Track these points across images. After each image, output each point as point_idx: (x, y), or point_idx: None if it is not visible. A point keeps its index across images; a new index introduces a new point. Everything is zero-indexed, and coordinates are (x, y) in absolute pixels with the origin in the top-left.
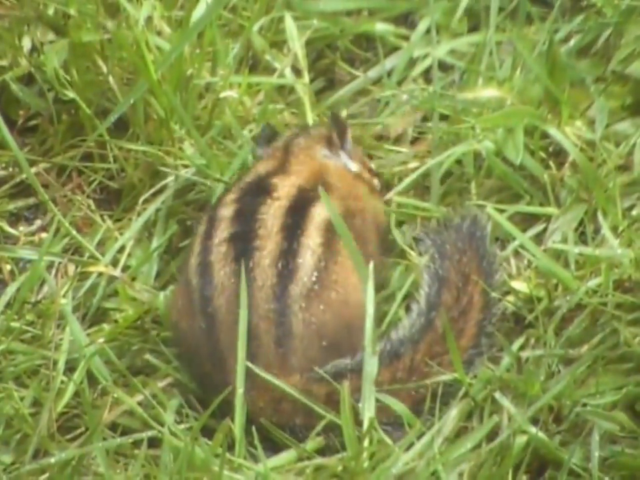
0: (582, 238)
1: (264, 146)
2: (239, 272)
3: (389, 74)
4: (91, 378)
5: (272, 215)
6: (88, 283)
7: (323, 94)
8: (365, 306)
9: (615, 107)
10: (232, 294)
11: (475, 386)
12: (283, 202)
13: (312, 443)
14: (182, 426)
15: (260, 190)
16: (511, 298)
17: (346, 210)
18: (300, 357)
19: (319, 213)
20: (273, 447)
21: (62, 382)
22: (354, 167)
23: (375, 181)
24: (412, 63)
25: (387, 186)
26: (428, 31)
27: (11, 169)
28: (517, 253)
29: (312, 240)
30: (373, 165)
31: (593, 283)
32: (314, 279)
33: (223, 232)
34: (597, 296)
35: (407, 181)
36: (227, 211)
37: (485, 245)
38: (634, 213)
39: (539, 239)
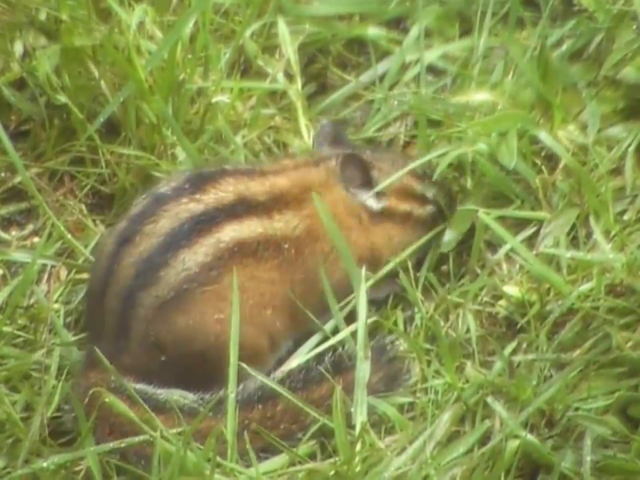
0: (574, 242)
1: (324, 144)
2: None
3: (381, 78)
4: None
5: (175, 212)
6: (83, 290)
7: (314, 98)
8: (224, 342)
9: (607, 112)
10: (101, 272)
11: (467, 390)
12: (200, 206)
13: (304, 447)
14: (174, 430)
15: (205, 179)
16: (502, 302)
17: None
18: (133, 360)
19: (231, 231)
20: (265, 452)
21: (53, 386)
22: (376, 205)
23: (420, 210)
24: (404, 67)
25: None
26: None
27: (2, 174)
28: (508, 258)
29: (191, 256)
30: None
31: (585, 287)
32: (169, 297)
33: (133, 209)
34: (589, 300)
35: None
36: (163, 190)
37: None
38: (626, 217)
39: (530, 243)
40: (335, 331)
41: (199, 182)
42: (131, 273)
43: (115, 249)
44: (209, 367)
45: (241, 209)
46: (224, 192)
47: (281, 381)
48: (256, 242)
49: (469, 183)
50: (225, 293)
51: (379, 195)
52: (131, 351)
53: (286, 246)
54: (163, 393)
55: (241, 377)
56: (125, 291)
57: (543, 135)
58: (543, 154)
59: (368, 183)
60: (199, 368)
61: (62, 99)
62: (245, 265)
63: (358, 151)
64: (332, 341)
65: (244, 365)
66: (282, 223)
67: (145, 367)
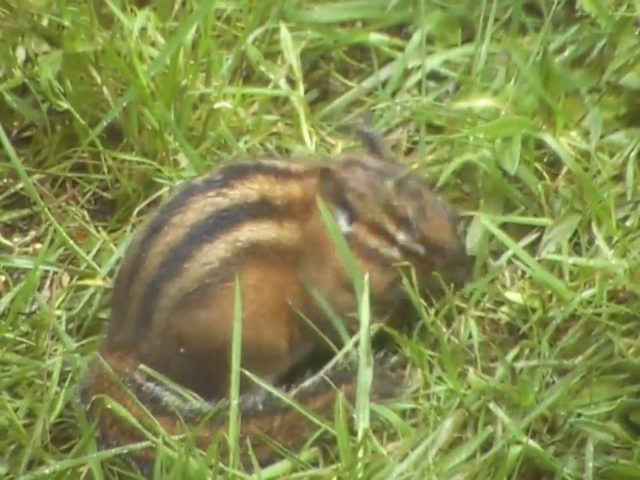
0: (576, 248)
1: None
2: (142, 242)
3: (383, 85)
4: None
5: (202, 205)
6: (86, 296)
7: (317, 105)
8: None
9: (609, 118)
10: (131, 258)
11: (469, 396)
12: (225, 200)
13: (306, 453)
14: (176, 436)
15: (236, 173)
16: (505, 309)
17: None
18: (151, 348)
19: (247, 231)
20: (268, 458)
21: (56, 393)
22: (345, 227)
23: (387, 250)
24: (406, 73)
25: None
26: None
27: (5, 180)
28: (511, 264)
29: (213, 250)
30: (403, 237)
31: (587, 293)
32: (192, 289)
33: (166, 198)
34: (591, 306)
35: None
36: (195, 182)
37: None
38: (628, 223)
39: (533, 249)
40: (337, 342)
41: (230, 175)
42: (158, 262)
43: (145, 237)
44: (224, 365)
45: (261, 210)
46: (250, 189)
47: (277, 397)
48: (268, 246)
49: (471, 189)
50: (244, 290)
51: (350, 218)
52: (150, 339)
53: (288, 257)
54: (168, 396)
55: (247, 382)
56: (150, 279)
57: (548, 139)
58: (545, 160)
59: (342, 203)
60: (214, 364)
61: (64, 105)
62: (259, 265)
63: (345, 170)
64: (339, 356)
65: (246, 372)
66: (287, 232)
67: (162, 358)
